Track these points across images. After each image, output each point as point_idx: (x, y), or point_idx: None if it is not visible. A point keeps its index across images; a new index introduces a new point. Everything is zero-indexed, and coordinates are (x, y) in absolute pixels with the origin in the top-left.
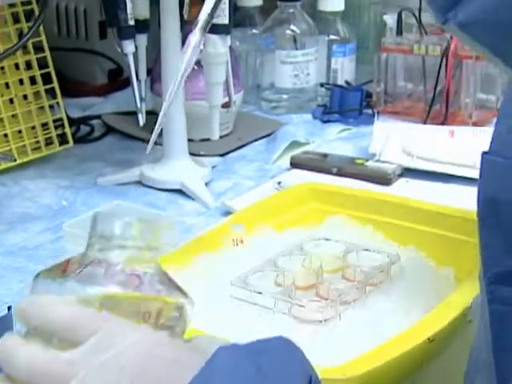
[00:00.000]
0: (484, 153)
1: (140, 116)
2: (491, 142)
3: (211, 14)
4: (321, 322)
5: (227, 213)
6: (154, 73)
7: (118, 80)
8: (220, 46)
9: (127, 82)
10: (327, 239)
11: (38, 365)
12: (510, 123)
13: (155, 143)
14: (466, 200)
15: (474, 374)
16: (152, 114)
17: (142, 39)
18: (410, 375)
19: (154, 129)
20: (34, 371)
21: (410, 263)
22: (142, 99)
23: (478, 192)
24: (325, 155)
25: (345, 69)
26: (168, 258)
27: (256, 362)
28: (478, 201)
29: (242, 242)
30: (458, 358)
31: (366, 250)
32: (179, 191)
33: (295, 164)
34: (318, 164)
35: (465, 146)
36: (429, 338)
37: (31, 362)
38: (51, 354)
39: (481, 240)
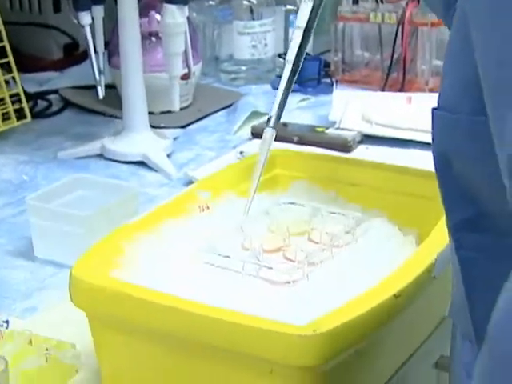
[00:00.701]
0: (433, 109)
1: (99, 89)
2: (438, 98)
3: (281, 108)
4: (289, 282)
5: (190, 183)
6: (112, 45)
7: (74, 54)
8: (178, 15)
9: (83, 57)
10: (292, 203)
11: None
12: (452, 80)
13: (115, 116)
14: (424, 164)
15: (455, 318)
16: (111, 88)
17: (99, 10)
18: (377, 330)
19: (113, 102)
20: None
21: (375, 224)
22: (100, 72)
23: (432, 146)
24: (285, 124)
25: None
26: (134, 226)
27: None
28: (433, 154)
29: (207, 208)
30: (422, 312)
31: (332, 212)
32: (141, 163)
33: (256, 134)
34: (279, 133)
35: (422, 111)
36: (395, 295)
37: None
38: None
39: (441, 191)
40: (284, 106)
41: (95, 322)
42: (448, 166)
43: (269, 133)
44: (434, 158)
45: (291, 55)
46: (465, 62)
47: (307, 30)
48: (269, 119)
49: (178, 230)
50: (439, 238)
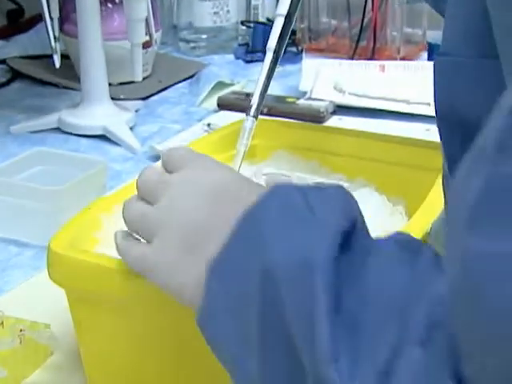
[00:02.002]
0: (436, 55)
1: (55, 57)
2: (441, 46)
3: (263, 96)
4: None
5: (156, 157)
6: (64, 12)
7: (19, 22)
8: None
9: (30, 24)
10: (274, 174)
11: None
12: (455, 23)
13: (70, 88)
14: (400, 134)
15: None
16: (63, 58)
17: None
18: None
19: (67, 72)
20: None
21: (361, 195)
22: (56, 39)
23: (435, 95)
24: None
25: (266, 5)
26: (111, 199)
27: (305, 195)
28: (435, 104)
29: None
30: None
31: (317, 183)
32: (102, 137)
33: (223, 105)
34: (247, 104)
35: (396, 80)
36: None
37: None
38: None
39: (442, 139)
40: (265, 95)
41: (76, 299)
42: (451, 114)
43: (249, 122)
44: (436, 108)
45: (272, 43)
46: (467, 3)
47: (288, 17)
48: (249, 108)
49: None
50: (432, 206)
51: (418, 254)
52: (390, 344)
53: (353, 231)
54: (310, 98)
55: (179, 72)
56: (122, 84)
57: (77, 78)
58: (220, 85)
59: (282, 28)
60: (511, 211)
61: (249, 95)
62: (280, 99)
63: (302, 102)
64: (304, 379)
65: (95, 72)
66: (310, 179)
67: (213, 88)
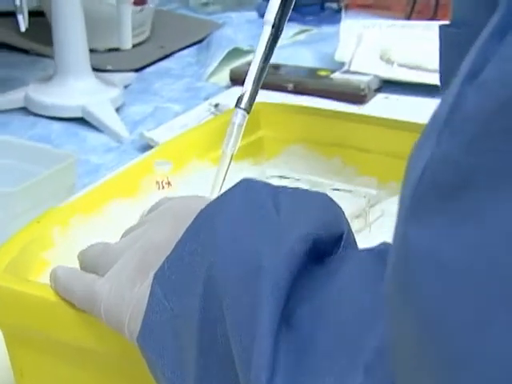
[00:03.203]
0: (442, 26)
1: (20, 18)
2: (451, 16)
3: (257, 83)
4: None
5: (146, 148)
6: None
7: None
8: None
9: None
10: (284, 177)
11: None
12: None
13: (43, 55)
14: None
15: None
16: (37, 16)
17: None
18: None
19: (40, 35)
20: None
21: (394, 205)
22: None
23: (440, 66)
24: (276, 66)
25: None
26: (69, 209)
27: (275, 194)
28: (440, 76)
29: (169, 184)
30: None
31: (336, 189)
32: (80, 120)
33: (236, 80)
34: (268, 78)
35: None
36: None
37: None
38: None
39: None
40: (261, 81)
41: (16, 342)
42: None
43: (239, 117)
44: (441, 80)
45: (271, 15)
46: None
47: None
48: (240, 98)
49: (128, 214)
50: None
51: None
52: (336, 372)
53: (325, 240)
54: (348, 71)
55: (185, 35)
56: (109, 51)
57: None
58: (235, 52)
59: None
60: (444, 203)
61: (276, 67)
62: (310, 72)
63: (337, 75)
64: None
65: (71, 36)
66: (329, 184)
67: (226, 56)
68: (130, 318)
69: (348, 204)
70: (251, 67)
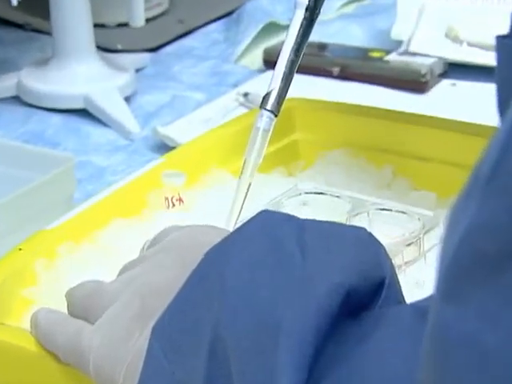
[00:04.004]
0: (498, 37)
1: None
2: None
3: (288, 78)
4: None
5: (161, 147)
6: None
7: None
8: None
9: None
10: (320, 193)
11: None
12: None
13: (41, 31)
14: None
15: None
16: None
17: None
18: None
19: (37, 8)
20: None
21: None
22: None
23: (496, 82)
24: (321, 46)
25: None
26: (58, 232)
27: (301, 230)
28: (498, 94)
29: (180, 201)
30: None
31: (384, 209)
32: (82, 113)
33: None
34: (310, 61)
35: None
36: None
37: None
38: None
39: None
40: (292, 75)
41: None
42: None
43: (264, 120)
44: (498, 101)
45: None
46: None
47: None
48: (266, 97)
49: (129, 242)
50: None
51: None
52: None
53: (361, 291)
54: (406, 52)
55: (211, 7)
56: (118, 26)
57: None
58: (272, 28)
59: None
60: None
61: (318, 47)
62: (360, 53)
63: (393, 57)
64: None
65: (73, 6)
66: (375, 203)
67: (260, 33)
68: (125, 378)
69: (398, 228)
70: (280, 59)
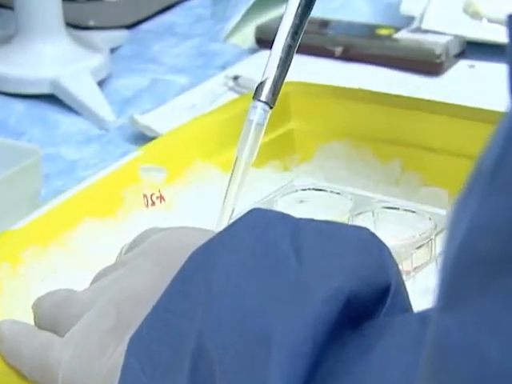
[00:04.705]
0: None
1: None
2: None
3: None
4: None
5: (140, 137)
6: None
7: None
8: None
9: None
10: (319, 189)
11: None
12: None
13: (2, 5)
14: None
15: None
16: None
17: None
18: None
19: None
20: None
21: None
22: None
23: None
24: (322, 23)
25: None
26: (27, 234)
27: (296, 229)
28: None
29: (161, 198)
30: None
31: (391, 207)
32: (50, 99)
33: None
34: (310, 39)
35: None
36: None
37: None
38: None
39: None
40: (290, 61)
41: None
42: None
43: (258, 112)
44: (510, 77)
45: None
46: None
47: None
48: (260, 86)
49: (102, 246)
50: None
51: None
52: None
53: (363, 297)
54: (418, 30)
55: None
56: (91, 0)
57: None
58: (266, 2)
59: None
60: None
61: (320, 24)
62: (366, 30)
63: (404, 35)
64: None
65: None
66: (381, 201)
67: (252, 8)
68: None
69: (407, 228)
70: (276, 43)
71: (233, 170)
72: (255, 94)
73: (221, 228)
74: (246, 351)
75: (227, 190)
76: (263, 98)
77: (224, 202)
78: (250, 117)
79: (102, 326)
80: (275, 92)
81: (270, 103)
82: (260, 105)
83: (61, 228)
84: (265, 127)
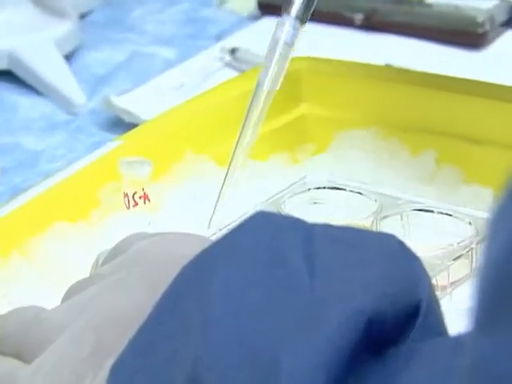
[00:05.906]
0: None
1: None
2: None
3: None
4: None
5: (115, 124)
6: None
7: None
8: None
9: None
10: (336, 188)
11: None
12: None
13: None
14: None
15: None
16: None
17: None
18: None
19: None
20: None
21: None
22: None
23: None
24: None
25: None
26: None
27: (308, 242)
28: None
29: (145, 198)
30: None
31: (424, 209)
32: (7, 76)
33: (267, 5)
34: (326, 5)
35: None
36: None
37: None
38: None
39: None
40: None
41: None
42: None
43: (286, 30)
44: None
45: None
46: None
47: None
48: None
49: (78, 250)
50: None
51: None
52: None
53: (388, 319)
54: None
55: None
56: None
57: None
58: None
59: None
60: None
61: None
62: None
63: (439, 0)
64: None
65: None
66: (412, 201)
67: None
68: None
69: (443, 235)
70: None
71: (235, 149)
72: (283, 7)
73: (217, 234)
74: (250, 382)
75: (223, 183)
76: (293, 12)
77: (220, 194)
78: (277, 34)
79: (78, 353)
80: (309, 5)
81: (302, 18)
82: (289, 20)
83: (24, 234)
84: (291, 52)
